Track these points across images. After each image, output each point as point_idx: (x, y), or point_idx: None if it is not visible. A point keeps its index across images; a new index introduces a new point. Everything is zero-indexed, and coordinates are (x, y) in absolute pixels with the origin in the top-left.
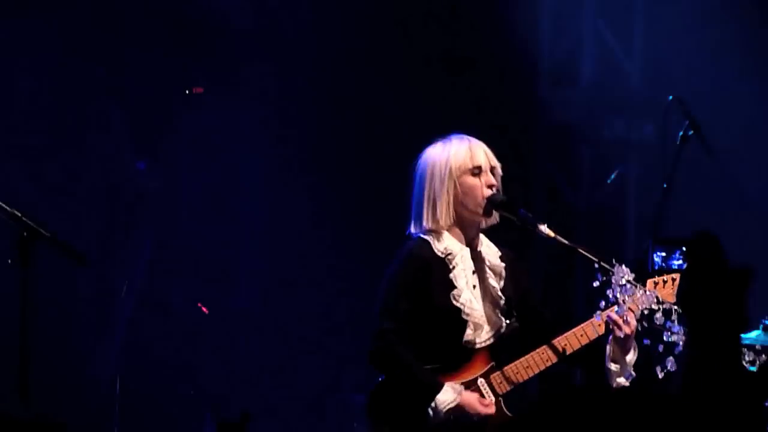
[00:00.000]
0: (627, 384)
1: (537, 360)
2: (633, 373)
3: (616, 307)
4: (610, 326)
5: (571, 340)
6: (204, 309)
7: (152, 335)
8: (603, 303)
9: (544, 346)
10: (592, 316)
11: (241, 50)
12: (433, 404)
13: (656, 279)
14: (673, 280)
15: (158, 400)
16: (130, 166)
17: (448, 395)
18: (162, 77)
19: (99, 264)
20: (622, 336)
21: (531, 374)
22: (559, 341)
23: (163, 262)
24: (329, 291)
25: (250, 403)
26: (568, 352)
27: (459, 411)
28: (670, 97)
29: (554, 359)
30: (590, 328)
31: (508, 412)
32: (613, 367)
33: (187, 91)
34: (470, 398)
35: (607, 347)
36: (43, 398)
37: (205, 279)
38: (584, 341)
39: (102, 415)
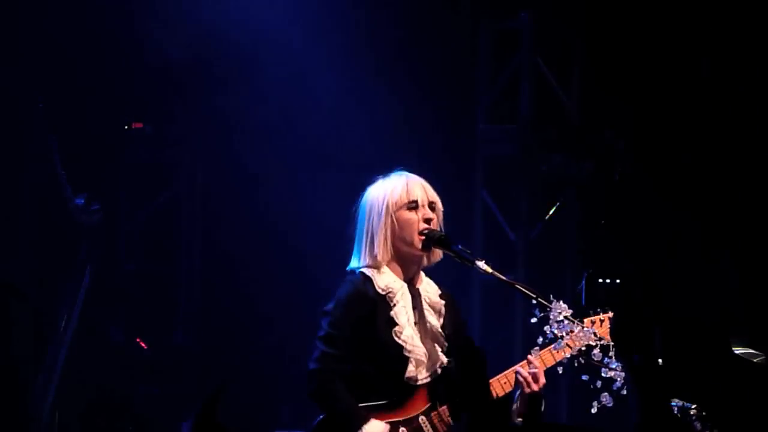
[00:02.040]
0: None
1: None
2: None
3: (529, 362)
4: (520, 383)
5: (495, 385)
6: (143, 344)
7: (91, 370)
8: (541, 339)
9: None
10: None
11: (180, 84)
12: None
13: (593, 318)
14: (610, 318)
15: None
16: (69, 201)
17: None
18: (101, 112)
19: (38, 298)
20: (530, 392)
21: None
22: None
23: (102, 296)
24: (266, 324)
25: None
26: (494, 397)
27: None
28: (607, 134)
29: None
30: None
31: None
32: (518, 421)
33: (126, 126)
34: None
35: (514, 404)
36: None
37: (143, 314)
38: (507, 389)
39: None
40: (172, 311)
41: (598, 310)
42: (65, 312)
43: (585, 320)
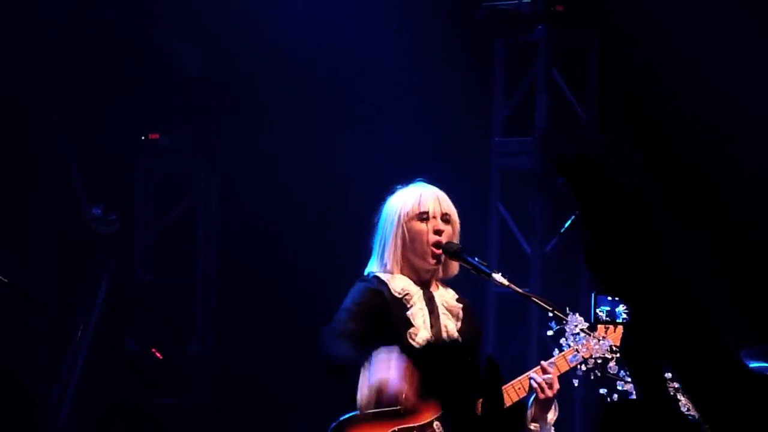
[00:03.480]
0: None
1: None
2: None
3: (543, 368)
4: (535, 389)
5: (509, 391)
6: (158, 354)
7: (107, 380)
8: (556, 351)
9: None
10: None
11: (197, 96)
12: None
13: (607, 326)
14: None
15: None
16: (86, 211)
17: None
18: (118, 122)
19: (54, 308)
20: (544, 398)
21: None
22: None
23: (118, 306)
24: (282, 335)
25: None
26: (507, 404)
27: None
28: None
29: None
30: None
31: None
32: (533, 426)
33: (143, 137)
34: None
35: (528, 411)
36: None
37: (159, 323)
38: (522, 394)
39: None
40: (187, 321)
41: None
42: (81, 322)
43: (598, 327)
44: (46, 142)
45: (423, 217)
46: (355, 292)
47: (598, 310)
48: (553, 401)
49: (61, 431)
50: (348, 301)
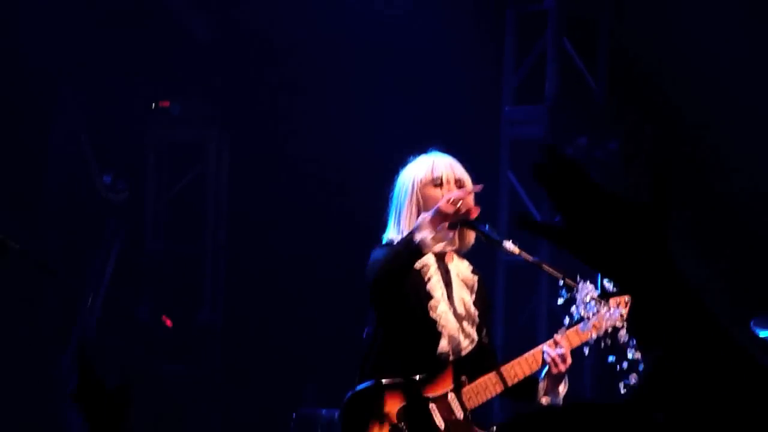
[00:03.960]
0: None
1: (492, 381)
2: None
3: (556, 342)
4: (548, 363)
5: (522, 364)
6: (168, 322)
7: (116, 347)
8: (567, 320)
9: (495, 372)
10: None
11: (208, 62)
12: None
13: (618, 299)
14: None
15: None
16: (96, 179)
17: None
18: (129, 90)
19: (64, 276)
20: (557, 372)
21: (495, 392)
22: (512, 367)
23: (128, 275)
24: (291, 303)
25: (211, 416)
26: (518, 378)
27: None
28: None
29: (502, 386)
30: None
31: (478, 429)
32: (544, 401)
33: (153, 105)
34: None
35: (540, 383)
36: (6, 409)
37: (169, 291)
38: (535, 368)
39: (67, 427)
40: (197, 289)
41: None
42: (91, 290)
43: (610, 300)
44: (56, 111)
45: (437, 183)
46: (375, 254)
47: (605, 281)
48: (565, 375)
49: (71, 399)
50: (374, 257)
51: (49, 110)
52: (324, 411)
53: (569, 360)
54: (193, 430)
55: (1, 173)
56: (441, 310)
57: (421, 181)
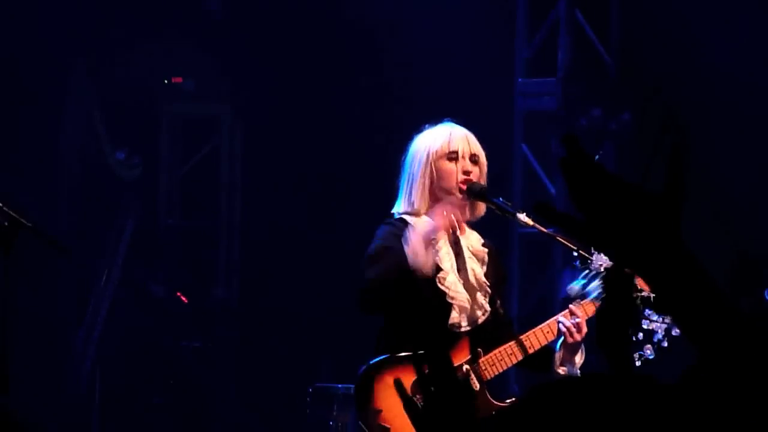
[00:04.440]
0: None
1: (508, 352)
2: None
3: (572, 312)
4: (563, 333)
5: (538, 334)
6: (183, 298)
7: (132, 324)
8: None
9: (513, 342)
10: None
11: (221, 38)
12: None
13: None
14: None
15: (137, 389)
16: (109, 155)
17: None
18: (142, 66)
19: (79, 253)
20: (572, 342)
21: (512, 363)
22: (528, 337)
23: (142, 251)
24: (306, 278)
25: (227, 392)
26: (535, 348)
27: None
28: (649, 87)
29: (520, 355)
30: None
31: (493, 400)
32: (561, 371)
33: (166, 81)
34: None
35: (557, 353)
36: (23, 387)
37: (184, 267)
38: (550, 338)
39: (82, 404)
40: (212, 265)
41: None
42: (106, 266)
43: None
44: (70, 87)
45: (452, 156)
46: (380, 235)
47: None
48: (581, 345)
49: (86, 375)
50: (372, 248)
51: (63, 87)
52: (340, 386)
53: (585, 329)
54: (209, 406)
55: (15, 150)
56: (450, 281)
57: (436, 152)
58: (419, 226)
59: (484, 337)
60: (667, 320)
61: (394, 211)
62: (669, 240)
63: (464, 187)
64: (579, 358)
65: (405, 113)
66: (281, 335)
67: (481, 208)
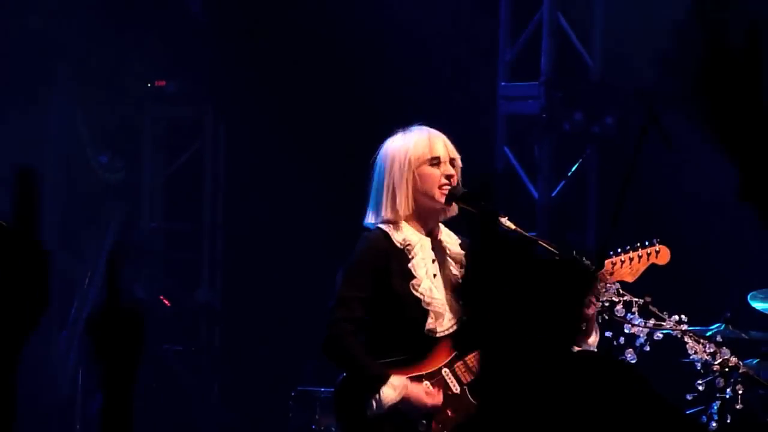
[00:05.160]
0: None
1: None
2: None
3: None
4: None
5: None
6: (166, 302)
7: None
8: None
9: None
10: None
11: (203, 41)
12: (375, 397)
13: (614, 259)
14: (630, 259)
15: None
16: (93, 158)
17: (389, 392)
18: (124, 70)
19: (61, 256)
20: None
21: None
22: None
23: (125, 253)
24: (290, 281)
25: (209, 395)
26: None
27: (406, 405)
28: (632, 90)
29: None
30: None
31: (473, 400)
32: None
33: (149, 84)
34: (416, 391)
35: None
36: None
37: (167, 270)
38: None
39: (63, 406)
40: (195, 268)
41: (619, 250)
42: (88, 269)
43: (606, 261)
44: (53, 90)
45: (434, 162)
46: (356, 253)
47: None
48: (593, 324)
49: (68, 378)
50: (350, 268)
51: (46, 90)
52: (323, 389)
53: (597, 304)
54: (193, 409)
55: None
56: (424, 287)
57: (418, 159)
58: (413, 397)
59: (466, 339)
60: (649, 324)
61: (369, 222)
62: None
63: (445, 192)
64: (594, 338)
65: (388, 116)
66: (264, 338)
67: (455, 207)
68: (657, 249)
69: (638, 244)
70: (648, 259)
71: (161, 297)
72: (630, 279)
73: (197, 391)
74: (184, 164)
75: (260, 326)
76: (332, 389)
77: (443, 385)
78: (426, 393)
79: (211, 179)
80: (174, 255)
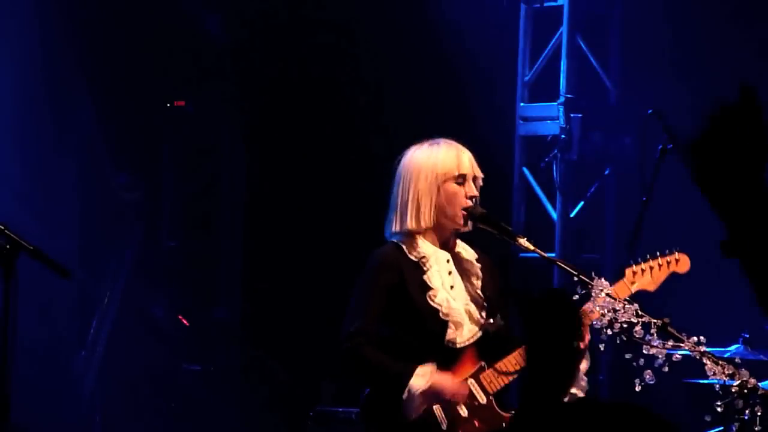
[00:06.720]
0: (582, 395)
1: (512, 363)
2: (584, 383)
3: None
4: None
5: None
6: (184, 321)
7: (133, 347)
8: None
9: (517, 352)
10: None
11: (222, 61)
12: (406, 391)
13: (634, 268)
14: (651, 268)
15: (138, 412)
16: (112, 178)
17: (418, 380)
18: (144, 90)
19: (80, 275)
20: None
21: (517, 374)
22: None
23: (145, 273)
24: (309, 300)
25: (228, 415)
26: None
27: (435, 390)
28: (650, 111)
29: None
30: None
31: (501, 411)
32: None
33: (168, 104)
34: (442, 377)
35: None
36: (23, 411)
37: (186, 290)
38: None
39: (82, 427)
40: (213, 288)
41: (639, 259)
42: (108, 289)
43: (626, 270)
44: (72, 109)
45: (459, 180)
46: (369, 267)
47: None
48: (585, 352)
49: (87, 398)
50: (363, 282)
51: (65, 109)
52: (341, 409)
53: (587, 336)
54: (211, 429)
55: (15, 173)
56: (441, 297)
57: (445, 174)
58: (440, 382)
59: (490, 349)
60: (668, 345)
61: (393, 230)
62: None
63: (464, 214)
64: (584, 365)
65: (406, 137)
66: (282, 358)
67: (469, 224)
68: (677, 257)
69: (657, 253)
70: (668, 268)
71: (179, 316)
72: (652, 288)
73: (216, 411)
74: (203, 184)
75: (279, 346)
76: (351, 409)
77: (469, 396)
78: (453, 380)
79: (230, 199)
80: (193, 274)
